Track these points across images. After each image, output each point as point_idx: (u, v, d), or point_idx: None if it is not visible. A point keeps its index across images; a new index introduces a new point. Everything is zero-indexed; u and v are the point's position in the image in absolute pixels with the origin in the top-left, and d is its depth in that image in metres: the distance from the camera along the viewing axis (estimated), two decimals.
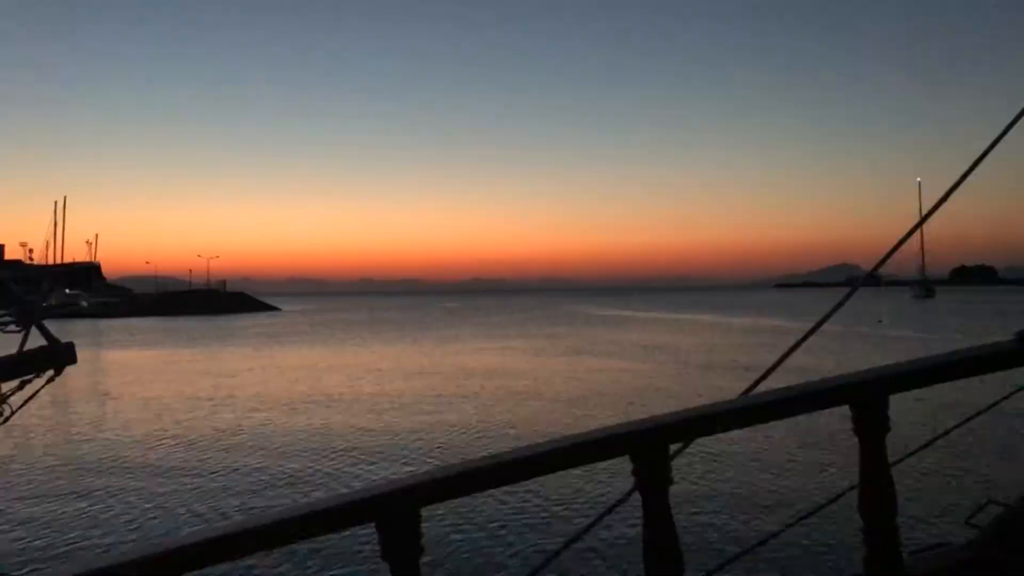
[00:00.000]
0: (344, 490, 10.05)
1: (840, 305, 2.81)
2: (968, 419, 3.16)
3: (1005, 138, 2.77)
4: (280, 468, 11.82)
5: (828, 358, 23.84)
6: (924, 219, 2.94)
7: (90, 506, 9.83)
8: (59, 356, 5.01)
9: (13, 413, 5.15)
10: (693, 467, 10.51)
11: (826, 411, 2.06)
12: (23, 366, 4.91)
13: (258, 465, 12.05)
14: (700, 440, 2.25)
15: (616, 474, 9.53)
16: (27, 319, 4.92)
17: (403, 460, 12.25)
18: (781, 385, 2.09)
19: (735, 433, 9.90)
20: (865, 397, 1.96)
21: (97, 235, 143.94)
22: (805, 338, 2.73)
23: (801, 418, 2.11)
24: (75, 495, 10.37)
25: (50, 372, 5.07)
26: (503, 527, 8.45)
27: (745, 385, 2.58)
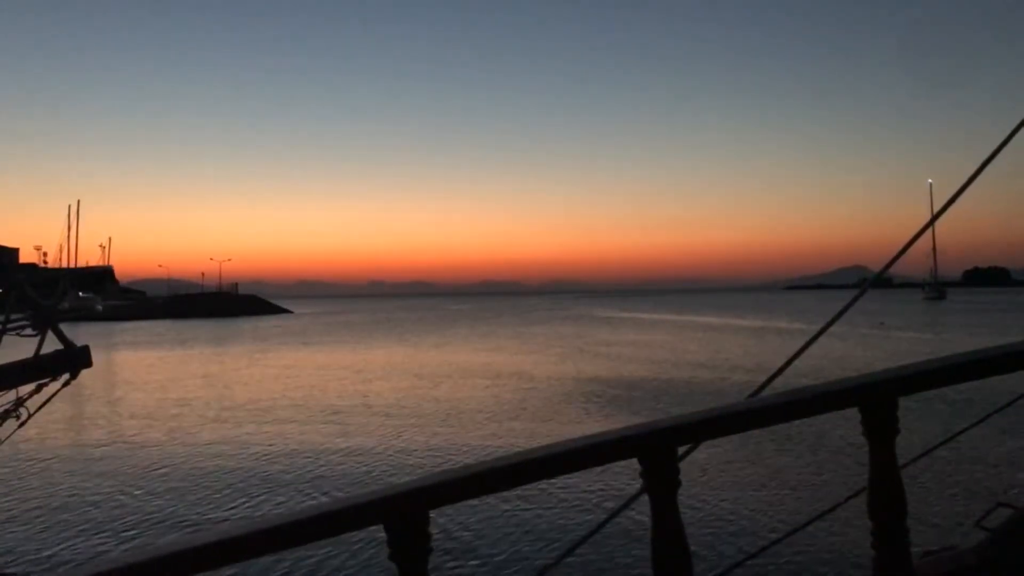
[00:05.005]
0: (354, 492, 10.10)
1: (848, 307, 2.80)
2: (979, 421, 3.15)
3: (1019, 139, 2.76)
4: (291, 471, 11.87)
5: (829, 360, 23.77)
6: (931, 221, 2.93)
7: (104, 509, 9.90)
8: (75, 359, 5.05)
9: (30, 416, 5.19)
10: (701, 469, 10.49)
11: (835, 413, 2.06)
12: (40, 370, 4.96)
13: (268, 467, 12.10)
14: (708, 442, 2.24)
15: (625, 476, 9.52)
16: (43, 323, 4.97)
17: (411, 461, 12.27)
18: (786, 387, 2.09)
19: (744, 435, 9.87)
20: (874, 399, 1.95)
21: (111, 238, 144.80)
22: (813, 340, 2.73)
23: (810, 420, 2.10)
24: (89, 498, 10.45)
25: (66, 375, 5.12)
26: (510, 529, 8.45)
27: (752, 387, 2.58)
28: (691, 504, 8.92)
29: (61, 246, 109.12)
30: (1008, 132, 2.75)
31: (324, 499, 10.00)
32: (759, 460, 11.40)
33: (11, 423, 5.31)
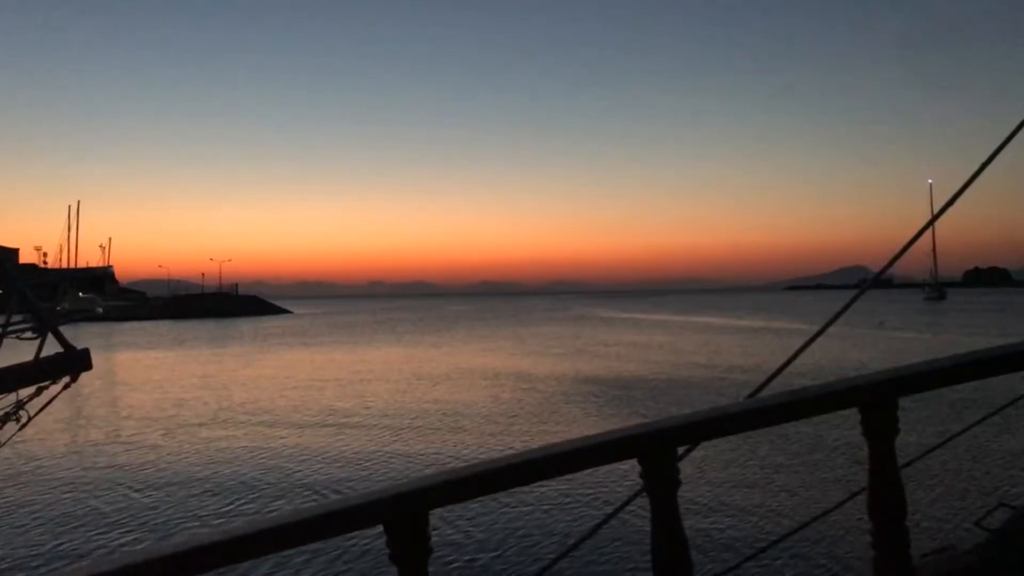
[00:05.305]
0: (352, 492, 10.11)
1: (848, 307, 2.80)
2: (979, 421, 3.15)
3: (1019, 139, 2.76)
4: (289, 472, 11.87)
5: (828, 360, 23.76)
6: (931, 222, 2.93)
7: (102, 511, 9.90)
8: (75, 363, 5.05)
9: (31, 419, 5.20)
10: (701, 470, 10.49)
11: (835, 413, 2.06)
12: (40, 373, 4.96)
13: (268, 470, 12.10)
14: (710, 443, 2.25)
15: (625, 476, 9.52)
16: (44, 326, 4.97)
17: (409, 462, 12.27)
18: (785, 387, 2.09)
19: (744, 435, 9.86)
20: (874, 399, 1.95)
21: (111, 239, 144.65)
22: (812, 340, 2.73)
23: (810, 420, 2.11)
24: (88, 500, 10.46)
25: (66, 378, 5.12)
26: (511, 529, 8.45)
27: (752, 386, 2.58)
28: (691, 504, 8.92)
29: (61, 246, 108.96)
30: (1008, 133, 2.76)
31: (322, 500, 10.00)
32: (759, 460, 11.40)
33: (11, 426, 5.31)
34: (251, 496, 10.43)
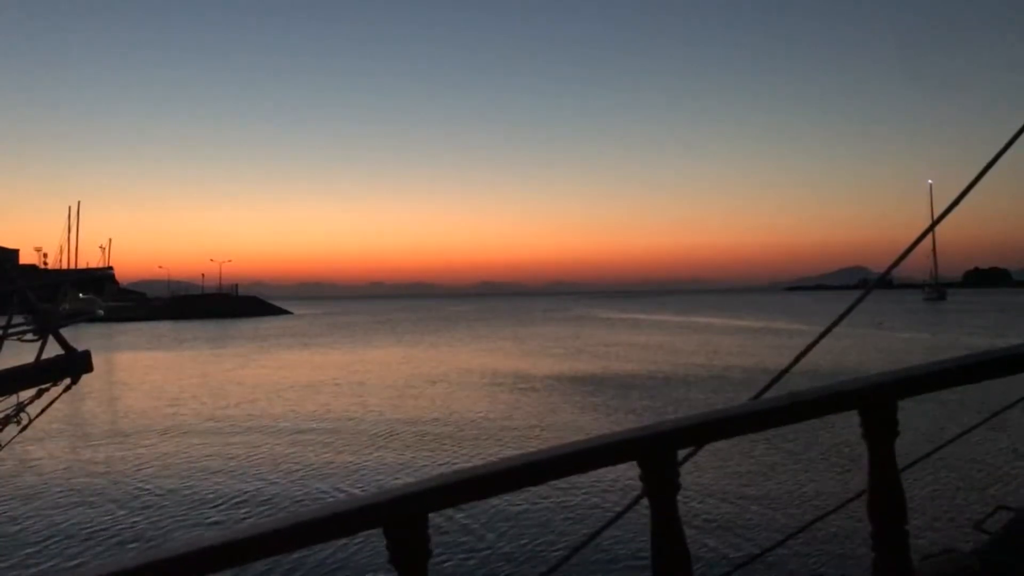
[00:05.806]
0: (352, 495, 10.10)
1: (853, 307, 2.80)
2: (979, 423, 3.15)
3: (1019, 140, 2.76)
4: (288, 474, 11.88)
5: (828, 360, 23.74)
6: (936, 223, 2.93)
7: (100, 513, 9.91)
8: (76, 365, 5.05)
9: (31, 421, 5.20)
10: (702, 472, 10.48)
11: (836, 415, 2.06)
12: (41, 375, 4.96)
13: (266, 472, 12.11)
14: (709, 445, 2.25)
15: (628, 478, 9.52)
16: (45, 328, 4.97)
17: (406, 464, 12.27)
18: (786, 389, 2.09)
19: (744, 438, 9.84)
20: (874, 401, 1.96)
21: (111, 240, 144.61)
22: (816, 341, 2.73)
23: (810, 422, 2.10)
24: (86, 502, 10.46)
25: (67, 381, 5.12)
26: (511, 532, 8.45)
27: (753, 387, 2.58)
28: (691, 506, 8.92)
29: (61, 247, 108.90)
30: (1010, 136, 2.76)
31: (320, 502, 10.00)
32: (759, 462, 11.40)
33: (12, 428, 5.31)
34: (249, 498, 10.43)
